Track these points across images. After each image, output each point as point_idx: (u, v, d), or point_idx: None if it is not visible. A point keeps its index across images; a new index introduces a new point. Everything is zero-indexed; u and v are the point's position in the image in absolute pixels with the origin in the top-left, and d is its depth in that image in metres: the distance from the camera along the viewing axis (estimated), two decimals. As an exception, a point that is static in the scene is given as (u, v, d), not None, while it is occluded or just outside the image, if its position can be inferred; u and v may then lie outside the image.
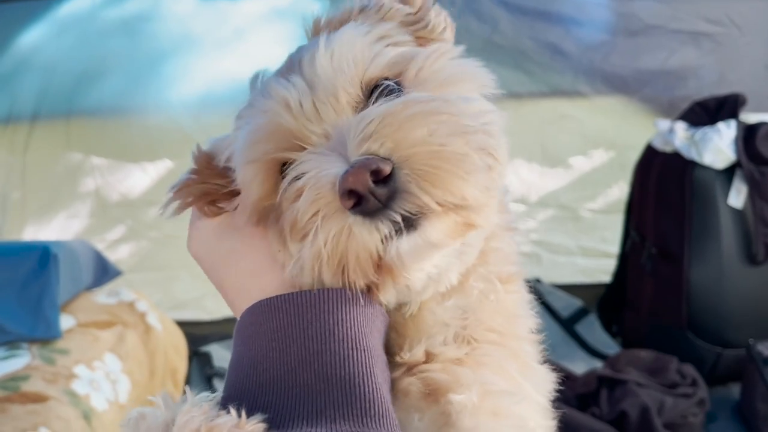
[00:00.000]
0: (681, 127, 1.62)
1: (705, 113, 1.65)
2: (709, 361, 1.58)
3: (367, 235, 0.37)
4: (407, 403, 0.42)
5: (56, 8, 1.63)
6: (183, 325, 1.57)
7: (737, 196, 1.55)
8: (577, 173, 1.90)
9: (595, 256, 1.95)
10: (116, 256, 1.69)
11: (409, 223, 0.37)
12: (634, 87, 1.85)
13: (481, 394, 0.41)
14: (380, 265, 0.38)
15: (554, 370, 1.54)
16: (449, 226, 0.38)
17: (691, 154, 1.57)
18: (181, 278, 1.75)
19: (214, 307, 1.77)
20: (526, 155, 1.87)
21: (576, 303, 1.82)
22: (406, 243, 0.37)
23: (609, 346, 1.75)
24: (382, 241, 0.37)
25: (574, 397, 1.46)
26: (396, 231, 0.37)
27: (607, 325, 1.83)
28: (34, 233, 1.67)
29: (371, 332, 0.40)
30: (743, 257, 1.56)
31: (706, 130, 1.57)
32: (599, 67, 1.83)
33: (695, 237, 1.58)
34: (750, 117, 1.61)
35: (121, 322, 1.39)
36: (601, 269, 1.93)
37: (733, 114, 1.61)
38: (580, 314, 1.81)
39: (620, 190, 1.89)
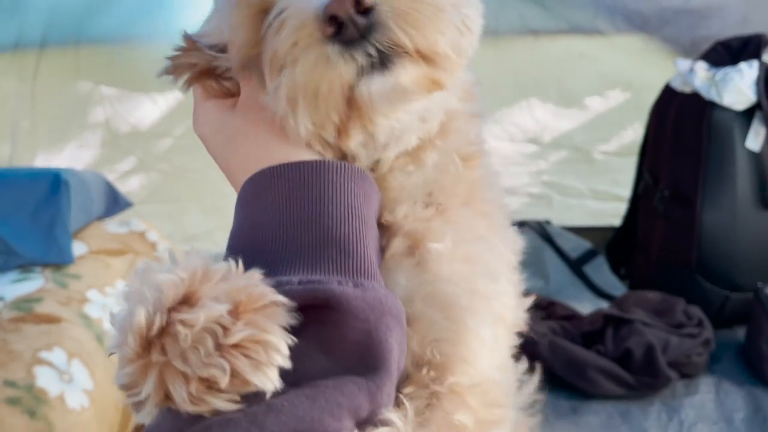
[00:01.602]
0: (702, 67, 1.59)
1: (727, 53, 1.61)
2: (716, 304, 1.58)
3: (342, 65, 0.39)
4: (393, 263, 0.44)
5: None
6: (193, 256, 1.58)
7: (755, 139, 1.52)
8: (592, 114, 1.87)
9: (606, 199, 1.94)
10: (126, 187, 1.69)
11: (383, 60, 0.39)
12: (655, 25, 1.80)
13: (454, 242, 0.44)
14: (351, 102, 0.40)
15: (561, 310, 1.54)
16: (419, 75, 0.40)
17: (711, 94, 1.54)
18: (192, 211, 1.75)
19: (223, 241, 1.77)
20: (541, 94, 1.83)
21: (585, 245, 1.82)
22: (377, 82, 0.39)
23: (616, 287, 1.76)
24: (357, 73, 0.39)
25: (579, 335, 1.47)
26: (370, 65, 0.39)
27: (616, 268, 1.83)
28: (44, 163, 1.67)
29: (368, 205, 0.43)
30: (757, 201, 1.54)
31: (728, 70, 1.54)
32: (620, 3, 1.77)
33: (710, 179, 1.56)
34: (773, 57, 1.56)
35: (132, 251, 1.40)
36: (612, 213, 1.92)
37: (755, 54, 1.57)
38: (588, 256, 1.81)
39: (635, 133, 1.87)
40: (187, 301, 0.36)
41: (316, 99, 0.40)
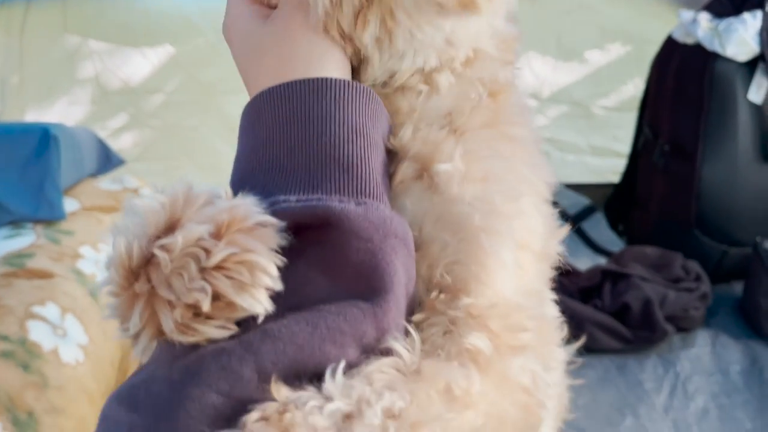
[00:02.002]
0: (705, 17, 1.55)
1: (730, 3, 1.57)
2: (714, 259, 1.58)
3: None
4: (401, 188, 0.41)
5: None
6: (187, 213, 1.57)
7: (758, 91, 1.50)
8: (592, 68, 1.83)
9: (605, 156, 1.92)
10: (119, 145, 1.66)
11: None
12: (657, -24, 1.76)
13: (468, 162, 0.40)
14: None
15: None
16: None
17: (714, 45, 1.51)
18: (186, 168, 1.73)
19: (219, 199, 1.77)
20: (540, 48, 1.79)
21: (583, 201, 1.81)
22: None
23: (615, 244, 1.75)
24: None
25: (577, 290, 1.47)
26: None
27: (614, 224, 1.82)
28: (34, 119, 1.64)
29: (375, 126, 0.40)
30: (758, 154, 1.53)
31: (731, 21, 1.50)
32: (622, -48, 1.73)
33: (710, 133, 1.54)
34: (778, 7, 1.53)
35: (125, 208, 1.38)
36: (611, 169, 1.90)
37: (759, 5, 1.53)
38: (586, 212, 1.80)
39: (635, 87, 1.83)
40: (170, 227, 0.34)
41: None
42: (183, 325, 0.33)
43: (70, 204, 1.31)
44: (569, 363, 0.56)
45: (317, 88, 0.39)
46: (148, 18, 1.64)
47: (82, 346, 1.04)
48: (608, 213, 1.84)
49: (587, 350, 1.36)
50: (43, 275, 1.11)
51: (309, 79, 0.39)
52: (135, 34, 1.64)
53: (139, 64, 1.65)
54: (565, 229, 0.48)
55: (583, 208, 1.80)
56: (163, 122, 1.70)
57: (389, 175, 0.41)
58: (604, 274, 1.47)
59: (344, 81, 0.39)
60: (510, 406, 0.36)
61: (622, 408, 1.25)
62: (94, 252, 1.22)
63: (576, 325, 1.35)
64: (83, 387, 1.01)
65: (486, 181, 0.41)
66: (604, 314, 1.38)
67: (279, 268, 0.34)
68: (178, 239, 0.33)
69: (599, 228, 1.79)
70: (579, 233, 1.77)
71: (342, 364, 0.33)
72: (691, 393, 1.28)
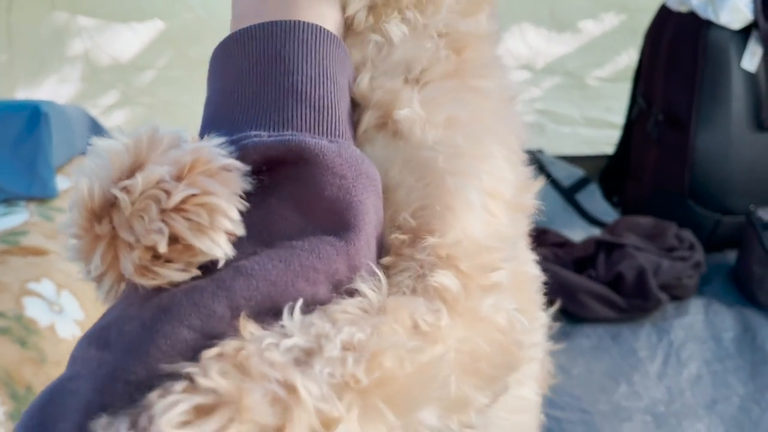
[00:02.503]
0: (699, -16, 1.54)
1: (725, -30, 1.56)
2: (708, 228, 1.58)
3: None
4: (365, 138, 0.41)
5: None
6: (182, 190, 1.56)
7: (751, 59, 1.49)
8: (586, 38, 1.82)
9: (599, 127, 1.91)
10: (111, 122, 1.65)
11: None
12: (651, -57, 1.73)
13: (428, 108, 0.40)
14: None
15: (553, 237, 1.53)
16: None
17: (707, 13, 1.49)
18: (179, 145, 1.73)
19: (212, 175, 1.76)
20: (533, 18, 1.78)
21: (578, 172, 1.81)
22: None
23: (609, 214, 1.75)
24: None
25: (571, 261, 1.48)
26: None
27: (609, 195, 1.82)
28: (24, 98, 1.63)
29: (341, 72, 0.40)
30: (752, 122, 1.52)
31: (725, -13, 1.49)
32: None
33: (704, 102, 1.53)
34: (772, -26, 1.51)
35: (118, 185, 1.38)
36: (605, 140, 1.90)
37: (754, -29, 1.52)
38: (581, 183, 1.79)
39: (629, 57, 1.82)
40: (134, 170, 0.34)
41: None
42: (143, 268, 0.33)
43: (62, 182, 1.30)
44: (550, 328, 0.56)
45: (289, 29, 0.38)
46: (136, -8, 1.62)
47: (79, 321, 1.04)
48: (603, 184, 1.84)
49: (581, 320, 1.38)
50: (38, 252, 1.10)
51: (281, 21, 0.39)
52: (123, 9, 1.62)
53: (128, 40, 1.64)
54: (540, 182, 0.47)
55: (577, 179, 1.80)
56: (154, 99, 1.69)
57: (353, 123, 0.41)
58: (599, 244, 1.48)
59: (316, 26, 0.39)
60: (483, 343, 0.35)
61: (617, 376, 1.26)
62: (88, 229, 1.22)
63: (570, 295, 1.37)
64: (81, 362, 1.02)
65: (449, 127, 0.40)
66: (599, 284, 1.39)
67: (248, 205, 0.34)
68: (139, 181, 0.32)
69: (594, 199, 1.79)
70: (574, 204, 1.77)
71: (299, 303, 0.33)
72: (684, 360, 1.29)
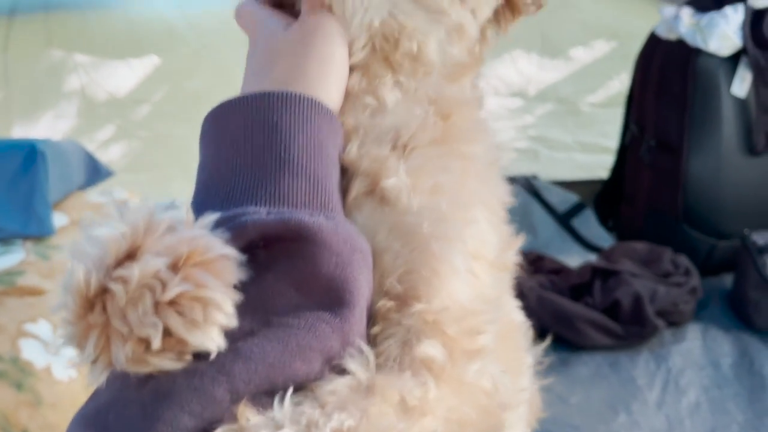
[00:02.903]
0: (687, 12, 1.56)
1: (712, -2, 1.59)
2: (703, 252, 1.59)
3: None
4: (354, 204, 0.42)
5: None
6: (178, 223, 1.57)
7: (741, 85, 1.51)
8: (578, 65, 1.84)
9: (593, 152, 1.93)
10: (107, 156, 1.66)
11: None
12: (639, -28, 1.77)
13: (414, 175, 0.41)
14: None
15: (549, 263, 1.53)
16: None
17: (696, 41, 1.52)
18: (176, 177, 1.73)
19: (209, 207, 1.77)
20: (525, 46, 1.80)
21: (572, 198, 1.82)
22: None
23: (604, 239, 1.76)
24: None
25: (567, 288, 1.48)
26: None
27: (604, 220, 1.84)
28: (21, 135, 1.64)
29: (333, 144, 0.41)
30: (743, 147, 1.54)
31: (713, 15, 1.52)
32: (603, -50, 1.74)
33: (695, 127, 1.55)
34: (758, 1, 1.54)
35: (115, 220, 1.39)
36: (600, 165, 1.91)
37: (741, -2, 1.55)
38: (576, 209, 1.80)
39: (621, 83, 1.85)
40: (130, 256, 0.34)
41: None
42: (134, 359, 0.33)
43: (59, 218, 1.31)
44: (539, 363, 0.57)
45: (285, 100, 0.39)
46: (132, 29, 1.64)
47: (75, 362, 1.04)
48: (598, 209, 1.85)
49: (579, 348, 1.38)
50: (35, 292, 1.11)
51: (278, 92, 0.40)
52: (120, 45, 1.64)
53: (125, 76, 1.66)
54: (520, 240, 0.48)
55: (572, 204, 1.81)
56: (150, 132, 1.70)
57: (342, 191, 0.42)
58: (594, 271, 1.48)
59: (311, 98, 0.40)
60: (470, 410, 0.36)
61: (615, 405, 1.26)
62: (84, 267, 1.23)
63: (568, 323, 1.37)
64: (77, 403, 1.01)
65: (434, 193, 0.41)
66: (595, 311, 1.39)
67: (245, 282, 0.35)
68: (135, 272, 0.32)
69: (589, 224, 1.80)
70: (569, 230, 1.78)
71: (290, 391, 0.33)
72: (683, 387, 1.29)
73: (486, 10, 0.47)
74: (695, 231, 1.59)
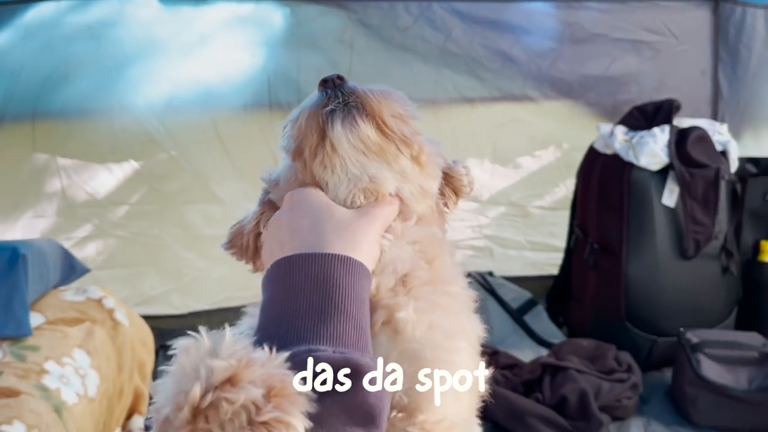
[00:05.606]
0: (620, 130, 1.74)
1: (643, 117, 1.76)
2: (645, 349, 1.70)
3: (321, 101, 0.57)
4: (376, 331, 0.55)
5: (21, 14, 1.66)
6: (150, 319, 1.62)
7: (670, 196, 1.67)
8: (526, 172, 2.01)
9: (543, 250, 2.07)
10: (83, 254, 1.73)
11: (348, 107, 0.56)
12: (579, 92, 1.97)
13: (417, 313, 0.55)
14: (324, 137, 0.56)
15: (503, 358, 1.65)
16: (375, 132, 0.56)
17: (629, 156, 1.68)
18: (148, 274, 1.81)
19: (180, 302, 1.84)
20: (478, 155, 1.97)
21: (525, 294, 1.93)
22: (341, 122, 0.56)
23: (555, 335, 1.86)
24: (327, 113, 0.56)
25: (520, 383, 1.57)
26: (340, 106, 0.56)
27: (554, 316, 1.95)
28: (1, 231, 1.71)
29: (368, 292, 0.54)
30: (676, 252, 1.68)
31: (643, 134, 1.69)
32: (547, 73, 1.93)
33: (632, 233, 1.69)
34: (683, 122, 1.73)
35: (89, 319, 1.44)
36: (550, 262, 2.05)
37: (667, 119, 1.72)
38: (528, 305, 1.91)
39: (566, 188, 2.01)
40: (230, 381, 0.45)
41: (302, 122, 0.57)
42: None
43: (35, 318, 1.36)
44: None
45: (343, 261, 0.53)
46: (113, 136, 1.76)
47: (47, 463, 1.08)
48: (549, 305, 1.96)
49: (530, 442, 1.46)
50: (10, 394, 1.15)
51: (339, 255, 0.53)
52: (101, 151, 1.75)
53: (104, 179, 1.75)
54: (490, 371, 0.61)
55: (525, 301, 1.92)
56: (127, 231, 1.79)
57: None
58: (544, 367, 1.57)
59: (358, 261, 0.54)
60: None
61: (564, 498, 1.33)
62: (58, 367, 1.28)
63: (519, 419, 1.46)
64: (48, 504, 1.04)
65: (431, 329, 0.55)
66: (545, 407, 1.47)
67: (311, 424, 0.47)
68: (241, 397, 0.44)
69: (541, 320, 1.90)
70: (522, 325, 1.88)
71: None
72: (626, 481, 1.36)
73: (433, 185, 0.62)
74: (637, 329, 1.71)
